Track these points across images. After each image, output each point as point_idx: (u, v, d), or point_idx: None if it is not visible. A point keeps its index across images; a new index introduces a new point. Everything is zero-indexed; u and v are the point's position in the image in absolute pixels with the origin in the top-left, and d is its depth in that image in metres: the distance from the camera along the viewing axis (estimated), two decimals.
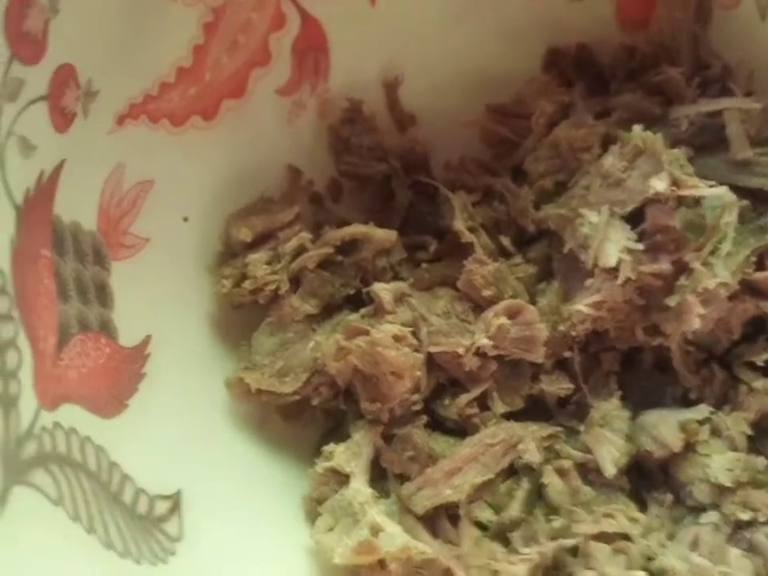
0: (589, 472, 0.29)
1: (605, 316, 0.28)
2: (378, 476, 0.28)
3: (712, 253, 0.28)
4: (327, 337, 0.28)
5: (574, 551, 0.27)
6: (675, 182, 0.28)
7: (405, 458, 0.28)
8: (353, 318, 0.29)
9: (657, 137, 0.28)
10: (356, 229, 0.29)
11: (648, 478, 0.29)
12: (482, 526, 0.28)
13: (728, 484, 0.27)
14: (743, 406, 0.29)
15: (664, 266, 0.27)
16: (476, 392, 0.28)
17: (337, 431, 0.29)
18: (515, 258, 0.31)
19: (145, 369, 0.25)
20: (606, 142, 0.30)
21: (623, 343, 0.29)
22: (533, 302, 0.29)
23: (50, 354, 0.21)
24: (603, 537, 0.27)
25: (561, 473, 0.28)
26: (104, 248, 0.24)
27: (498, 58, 0.32)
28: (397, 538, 0.26)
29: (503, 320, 0.28)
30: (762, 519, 0.27)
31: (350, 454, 0.27)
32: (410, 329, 0.28)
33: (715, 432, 0.28)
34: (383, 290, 0.29)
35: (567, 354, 0.29)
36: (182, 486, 0.25)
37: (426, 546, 0.26)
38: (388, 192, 0.32)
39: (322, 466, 0.27)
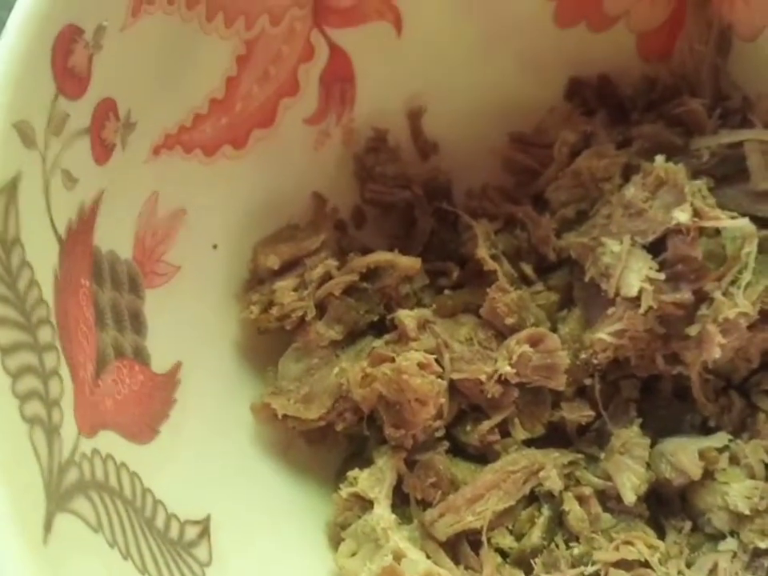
0: (608, 499, 0.29)
1: (626, 344, 0.28)
2: (401, 501, 0.28)
3: (732, 283, 0.28)
4: (352, 363, 0.29)
5: None
6: (697, 213, 0.28)
7: (427, 484, 0.28)
8: (377, 344, 0.29)
9: (679, 167, 0.28)
10: (381, 256, 0.30)
11: (667, 505, 0.29)
12: (503, 553, 0.28)
13: (746, 512, 0.28)
14: (761, 434, 0.29)
15: (685, 295, 0.28)
16: (497, 419, 0.29)
17: (359, 456, 0.30)
18: (536, 286, 0.31)
19: (176, 395, 0.26)
20: (627, 172, 0.31)
21: (643, 371, 0.29)
22: (554, 330, 0.30)
23: (88, 381, 0.21)
24: (623, 564, 0.27)
25: (581, 500, 0.29)
26: (139, 276, 0.25)
27: (521, 88, 0.32)
28: (419, 564, 0.26)
29: (525, 348, 0.28)
30: None
31: (374, 480, 0.27)
32: (434, 356, 0.28)
33: (734, 460, 0.29)
34: (407, 317, 0.29)
35: (588, 381, 0.30)
36: (211, 510, 0.25)
37: (447, 572, 0.27)
38: (411, 219, 0.33)
39: (346, 491, 0.28)
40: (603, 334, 0.29)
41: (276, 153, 0.30)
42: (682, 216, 0.28)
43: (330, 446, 0.30)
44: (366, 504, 0.28)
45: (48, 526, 0.18)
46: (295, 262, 0.29)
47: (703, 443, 0.29)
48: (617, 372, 0.30)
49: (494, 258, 0.31)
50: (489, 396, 0.28)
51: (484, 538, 0.28)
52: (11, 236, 0.19)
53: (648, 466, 0.28)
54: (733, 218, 0.28)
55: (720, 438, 0.29)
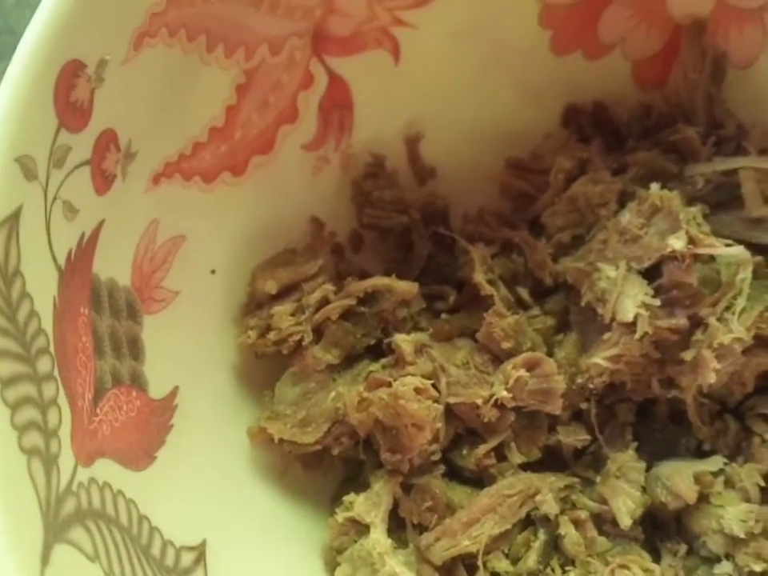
0: (604, 523, 0.29)
1: (622, 369, 0.29)
2: (397, 525, 0.28)
3: (727, 308, 0.28)
4: (348, 387, 0.29)
5: None
6: (692, 240, 0.28)
7: (423, 508, 0.28)
8: (374, 368, 0.29)
9: (674, 195, 0.29)
10: (378, 281, 0.30)
11: (662, 528, 0.30)
12: None
13: (741, 535, 0.28)
14: (756, 458, 0.29)
15: (680, 320, 0.28)
16: (494, 443, 0.29)
17: (355, 480, 0.30)
18: (533, 310, 0.31)
19: (173, 420, 0.26)
20: (623, 198, 0.31)
21: (639, 395, 0.30)
22: (550, 354, 0.30)
23: (86, 410, 0.22)
24: None
25: (577, 524, 0.29)
26: (137, 303, 0.25)
27: (518, 114, 0.33)
28: None
29: (522, 372, 0.29)
30: None
31: (370, 504, 0.28)
32: (430, 380, 0.29)
33: (729, 483, 0.29)
34: (404, 342, 0.29)
35: (584, 405, 0.30)
36: (207, 536, 0.25)
37: None
38: (408, 243, 0.33)
39: (342, 515, 0.28)
40: (599, 359, 0.29)
41: (275, 179, 0.30)
42: (676, 243, 0.28)
43: (326, 470, 0.30)
44: (362, 528, 0.28)
45: (45, 558, 0.18)
46: (293, 287, 0.30)
47: (698, 467, 0.29)
48: (613, 396, 0.30)
49: (490, 282, 0.31)
50: (485, 420, 0.29)
51: (480, 562, 0.28)
52: (12, 268, 0.19)
53: (644, 489, 0.29)
54: (727, 244, 0.29)
55: (715, 462, 0.29)
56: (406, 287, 0.30)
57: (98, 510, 0.21)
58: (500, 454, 0.29)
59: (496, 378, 0.29)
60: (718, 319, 0.28)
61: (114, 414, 0.23)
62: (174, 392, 0.26)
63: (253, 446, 0.29)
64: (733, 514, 0.28)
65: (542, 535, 0.28)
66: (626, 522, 0.28)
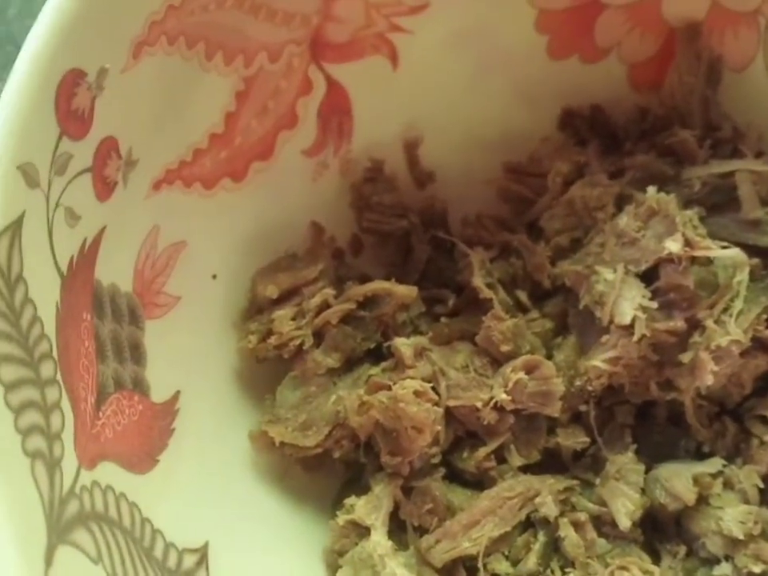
0: (604, 524, 0.29)
1: (620, 371, 0.29)
2: (397, 528, 0.29)
3: (724, 311, 0.28)
4: (349, 390, 0.29)
5: None
6: (688, 243, 0.28)
7: (424, 511, 0.28)
8: (374, 371, 0.30)
9: (671, 198, 0.29)
10: (378, 285, 0.30)
11: (661, 530, 0.30)
12: None
13: (740, 536, 0.28)
14: (755, 459, 0.29)
15: (678, 323, 0.28)
16: (493, 445, 0.29)
17: (356, 482, 0.30)
18: (532, 313, 0.31)
19: (174, 424, 0.26)
20: (620, 201, 0.31)
21: (638, 397, 0.30)
22: (549, 357, 0.30)
23: (89, 413, 0.22)
24: None
25: (576, 525, 0.29)
26: (139, 308, 0.25)
27: (515, 118, 0.33)
28: None
29: (521, 375, 0.29)
30: None
31: (371, 507, 0.28)
32: (430, 383, 0.29)
33: (728, 485, 0.29)
34: (404, 345, 0.29)
35: (583, 407, 0.30)
36: (209, 537, 0.25)
37: None
38: (407, 247, 0.33)
39: (343, 518, 0.28)
40: (598, 362, 0.29)
41: (275, 184, 0.30)
42: (673, 246, 0.28)
43: (326, 472, 0.30)
44: (362, 531, 0.28)
45: (49, 560, 0.18)
46: (293, 291, 0.30)
47: (697, 469, 0.29)
48: (611, 398, 0.30)
49: (489, 285, 0.31)
50: (485, 423, 0.29)
51: (480, 564, 0.28)
52: (15, 274, 0.20)
53: (643, 491, 0.29)
54: (724, 247, 0.29)
55: (714, 464, 0.29)
56: (406, 291, 0.30)
57: (101, 513, 0.21)
58: (500, 456, 0.29)
59: (495, 380, 0.29)
60: (716, 321, 0.28)
61: (116, 418, 0.23)
62: (175, 396, 0.27)
63: (254, 449, 0.29)
64: (732, 516, 0.28)
65: (541, 537, 0.29)
66: (625, 523, 0.28)
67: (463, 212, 0.34)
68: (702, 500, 0.29)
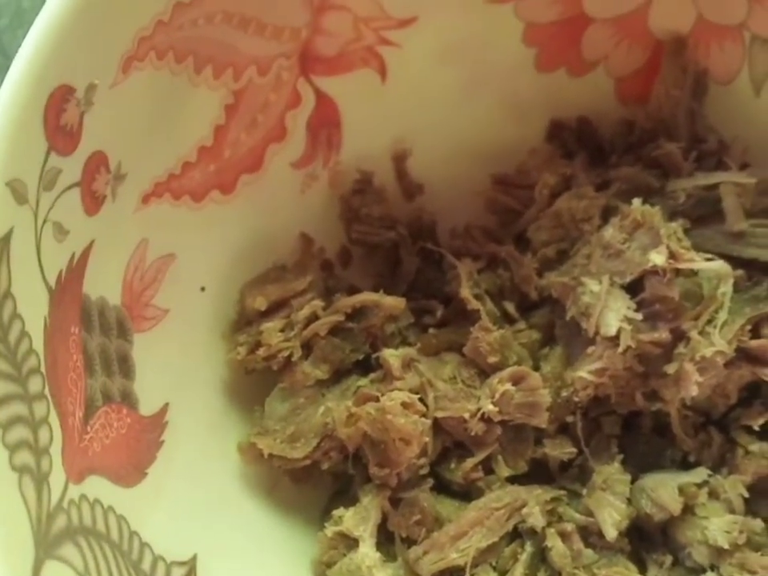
0: (590, 535, 0.29)
1: (606, 382, 0.29)
2: (386, 539, 0.29)
3: (709, 322, 0.29)
4: (337, 402, 0.29)
5: None
6: (673, 255, 0.29)
7: (412, 522, 0.28)
8: (362, 383, 0.30)
9: (655, 210, 0.29)
10: (366, 297, 0.30)
11: (648, 539, 0.30)
12: None
13: (726, 546, 0.28)
14: (740, 469, 0.30)
15: (663, 334, 0.28)
16: (481, 456, 0.29)
17: (345, 494, 0.30)
18: (519, 324, 0.32)
19: (163, 437, 0.26)
20: (606, 213, 0.31)
21: (624, 408, 0.30)
22: (536, 368, 0.30)
23: (77, 427, 0.22)
24: None
25: (563, 536, 0.29)
26: (127, 321, 0.25)
27: (503, 131, 0.33)
28: None
29: (508, 386, 0.29)
30: None
31: (359, 519, 0.28)
32: (418, 394, 0.29)
33: (713, 495, 0.29)
34: (392, 356, 0.30)
35: (569, 418, 0.30)
36: (198, 550, 0.26)
37: None
38: (396, 258, 0.33)
39: (331, 529, 0.28)
40: (584, 373, 0.29)
41: (263, 196, 0.30)
42: (657, 258, 0.28)
43: (315, 484, 0.30)
44: (351, 542, 0.28)
45: (36, 575, 0.18)
46: (282, 303, 0.30)
47: (683, 479, 0.29)
48: (598, 409, 0.30)
49: (477, 297, 0.31)
50: (472, 434, 0.29)
51: (468, 575, 0.28)
52: (3, 290, 0.20)
53: (629, 501, 0.29)
54: (708, 259, 0.29)
55: (699, 474, 0.29)
56: (394, 303, 0.31)
57: (89, 527, 0.21)
58: (487, 467, 0.30)
59: (483, 391, 0.29)
60: (700, 332, 0.28)
61: (104, 432, 0.23)
62: (164, 409, 0.27)
63: (243, 461, 0.29)
64: (717, 525, 0.28)
65: (528, 547, 0.29)
66: (611, 533, 0.28)
67: (452, 223, 0.34)
68: (688, 510, 0.29)
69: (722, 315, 0.29)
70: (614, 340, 0.29)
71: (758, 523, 0.29)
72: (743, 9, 0.30)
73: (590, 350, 0.29)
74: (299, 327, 0.30)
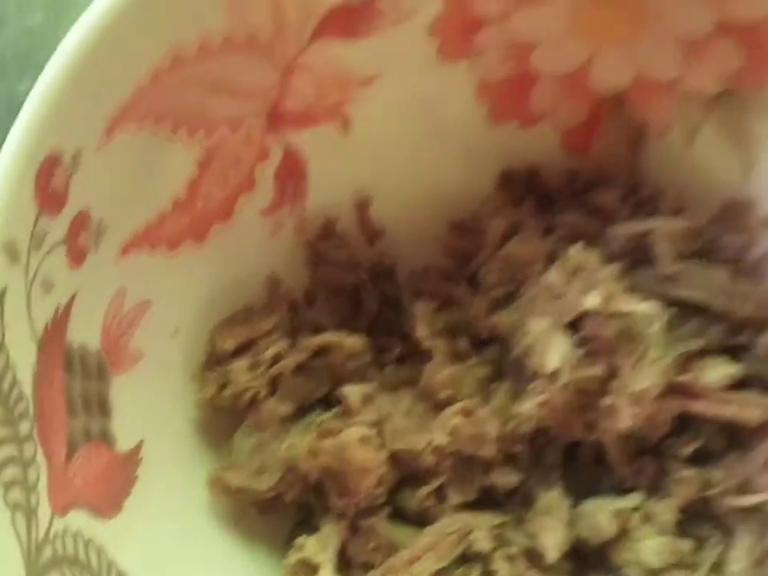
0: (534, 557, 0.31)
1: (547, 415, 0.31)
2: (345, 565, 0.31)
3: (640, 358, 0.31)
4: (301, 436, 0.31)
5: None
6: (609, 297, 0.31)
7: (369, 548, 0.30)
8: (325, 417, 0.32)
9: (593, 255, 0.32)
10: (328, 337, 0.32)
11: (587, 561, 0.32)
12: None
13: (657, 565, 0.30)
14: (671, 493, 0.32)
15: (598, 370, 0.31)
16: (434, 485, 0.31)
17: (307, 523, 0.32)
18: (471, 360, 0.34)
19: (137, 472, 0.28)
20: (551, 257, 0.34)
21: (564, 439, 0.32)
22: (486, 402, 0.33)
23: (60, 465, 0.24)
24: None
25: (509, 558, 0.31)
26: (106, 365, 0.27)
27: (458, 179, 0.36)
28: None
29: (458, 419, 0.31)
30: None
31: (320, 546, 0.30)
32: (376, 428, 0.31)
33: (646, 518, 0.31)
34: (352, 392, 0.31)
35: (515, 448, 0.32)
36: None
37: None
38: (358, 299, 0.35)
39: (294, 557, 0.30)
40: (527, 406, 0.31)
41: (234, 243, 0.32)
42: (592, 301, 0.31)
43: (279, 515, 0.32)
44: (312, 569, 0.30)
45: None
46: (250, 343, 0.32)
47: (619, 503, 0.31)
48: (541, 440, 0.32)
49: (432, 334, 0.33)
50: (426, 464, 0.31)
51: None
52: None
53: (570, 525, 0.31)
54: (643, 299, 0.32)
55: (634, 498, 0.31)
56: (354, 342, 0.32)
57: (72, 557, 0.23)
58: (440, 495, 0.31)
59: (435, 425, 0.31)
60: (632, 368, 0.30)
61: (85, 468, 0.25)
62: (138, 446, 0.28)
63: (212, 494, 0.31)
64: (650, 547, 0.30)
65: (476, 571, 0.30)
66: (552, 555, 0.30)
67: (411, 265, 0.36)
68: (623, 532, 0.31)
69: (653, 352, 0.31)
70: (555, 376, 0.30)
71: (688, 544, 0.31)
72: (676, 68, 0.33)
73: (532, 385, 0.31)
74: (265, 366, 0.31)
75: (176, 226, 0.30)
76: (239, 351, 0.32)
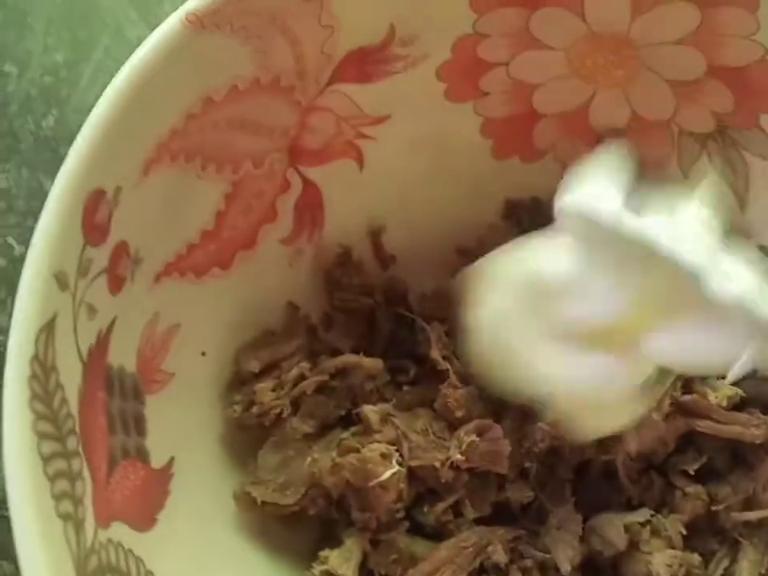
0: (548, 570, 0.32)
1: (559, 435, 0.32)
2: None
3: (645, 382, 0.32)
4: (323, 453, 0.32)
5: None
6: None
7: (390, 561, 0.31)
8: (345, 436, 0.33)
9: None
10: (347, 359, 0.34)
11: (599, 573, 0.33)
12: None
13: None
14: (678, 509, 0.33)
15: None
16: (450, 500, 0.32)
17: (329, 536, 0.33)
18: None
19: (170, 486, 0.29)
20: None
21: (576, 457, 0.33)
22: (498, 420, 0.34)
23: (102, 480, 0.25)
24: None
25: (524, 571, 0.32)
26: (141, 385, 0.29)
27: (465, 209, 0.37)
28: None
29: (473, 437, 0.32)
30: None
31: (343, 559, 0.31)
32: (394, 446, 0.32)
33: (655, 532, 0.32)
34: (371, 412, 0.33)
35: (528, 464, 0.34)
36: None
37: None
38: (373, 322, 0.37)
39: (318, 569, 0.31)
40: (540, 425, 0.33)
41: (256, 270, 0.34)
42: None
43: (302, 528, 0.33)
44: None
45: None
46: (273, 365, 0.34)
47: (628, 518, 0.32)
48: (553, 457, 0.33)
49: (445, 357, 0.35)
50: (443, 480, 0.32)
51: None
52: (50, 364, 0.23)
53: (581, 539, 0.32)
54: None
55: (643, 514, 0.32)
56: (372, 364, 0.34)
57: (115, 566, 0.24)
58: (456, 510, 0.32)
59: (451, 443, 0.32)
60: None
61: (123, 483, 0.26)
62: (170, 462, 0.30)
63: (238, 508, 0.32)
64: (659, 559, 0.31)
65: None
66: (566, 568, 0.31)
67: (421, 289, 0.37)
68: (633, 546, 0.32)
69: (653, 376, 0.32)
70: None
71: (695, 557, 0.32)
72: (671, 107, 0.34)
73: None
74: (288, 387, 0.33)
75: (204, 255, 0.31)
76: (263, 372, 0.33)
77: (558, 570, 0.32)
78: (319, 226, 0.36)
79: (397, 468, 0.31)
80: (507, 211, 0.38)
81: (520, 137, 0.37)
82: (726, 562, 0.33)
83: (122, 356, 0.28)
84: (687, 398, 0.33)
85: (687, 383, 0.33)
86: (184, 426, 0.31)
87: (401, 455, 0.32)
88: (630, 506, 0.34)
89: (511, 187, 0.38)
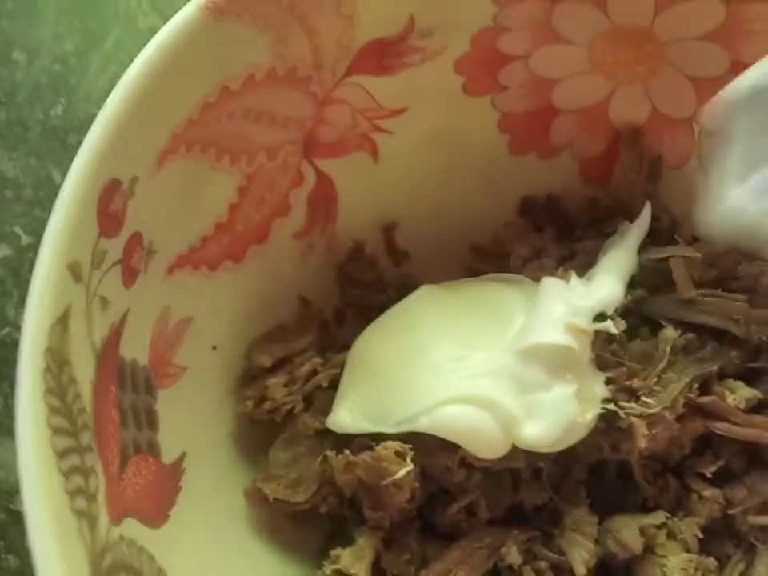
0: (562, 572, 0.32)
1: None
2: None
3: (657, 381, 0.32)
4: (335, 451, 0.32)
5: None
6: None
7: (402, 561, 0.31)
8: None
9: None
10: None
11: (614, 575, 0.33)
12: None
13: None
14: (694, 512, 0.32)
15: (619, 394, 0.32)
16: (464, 501, 0.32)
17: (340, 534, 0.33)
18: None
19: (181, 483, 0.29)
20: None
21: (590, 458, 0.33)
22: None
23: (114, 476, 0.25)
24: None
25: (538, 573, 0.32)
26: (153, 379, 0.28)
27: (480, 206, 0.37)
28: None
29: None
30: None
31: (355, 558, 0.30)
32: (408, 444, 0.32)
33: (671, 535, 0.32)
34: None
35: (541, 464, 0.33)
36: None
37: None
38: None
39: (329, 568, 0.30)
40: None
41: (269, 264, 0.33)
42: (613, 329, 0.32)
43: (313, 526, 0.33)
44: None
45: None
46: (285, 360, 0.33)
47: (644, 521, 0.32)
48: (568, 458, 0.33)
49: None
50: (456, 480, 0.32)
51: None
52: (63, 357, 0.23)
53: (596, 541, 0.32)
54: (662, 324, 0.33)
55: (658, 516, 0.32)
56: None
57: (128, 563, 0.24)
58: (470, 510, 0.32)
59: None
60: (649, 390, 0.31)
61: (135, 479, 0.26)
62: (182, 457, 0.29)
63: (249, 504, 0.32)
64: (675, 563, 0.31)
65: None
66: (580, 570, 0.31)
67: None
68: (648, 549, 0.31)
69: (670, 374, 0.32)
70: None
71: (711, 561, 0.32)
72: (692, 104, 0.34)
73: None
74: (301, 382, 0.33)
75: (217, 248, 0.31)
76: (275, 367, 0.33)
77: (572, 572, 0.32)
78: (332, 220, 0.35)
79: (411, 466, 0.30)
80: (523, 208, 0.38)
81: (538, 132, 0.36)
82: (741, 566, 0.33)
83: (135, 349, 0.27)
84: (705, 399, 0.33)
85: (707, 383, 0.33)
86: (195, 421, 0.31)
87: (415, 453, 0.32)
88: (646, 509, 0.33)
89: (527, 184, 0.37)
